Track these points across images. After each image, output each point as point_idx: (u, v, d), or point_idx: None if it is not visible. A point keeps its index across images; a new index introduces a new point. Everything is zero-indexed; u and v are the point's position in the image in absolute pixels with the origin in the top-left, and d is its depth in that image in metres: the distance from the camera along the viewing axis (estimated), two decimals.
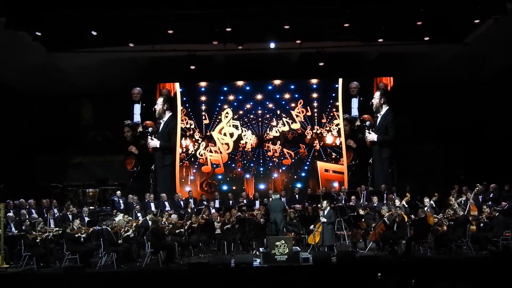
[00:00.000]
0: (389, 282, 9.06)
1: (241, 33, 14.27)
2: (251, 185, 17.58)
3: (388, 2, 13.15)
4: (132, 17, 13.32)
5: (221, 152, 17.61)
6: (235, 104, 17.77)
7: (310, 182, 17.57)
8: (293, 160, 17.60)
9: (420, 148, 18.17)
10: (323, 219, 12.03)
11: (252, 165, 17.66)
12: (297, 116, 17.63)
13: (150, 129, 17.30)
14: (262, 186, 17.43)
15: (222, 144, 17.67)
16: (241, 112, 17.76)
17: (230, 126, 17.69)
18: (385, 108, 17.36)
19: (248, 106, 17.78)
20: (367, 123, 17.38)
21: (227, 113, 17.71)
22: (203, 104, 17.76)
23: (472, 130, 17.73)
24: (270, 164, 17.65)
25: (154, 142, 17.29)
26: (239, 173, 17.69)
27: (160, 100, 17.40)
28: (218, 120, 17.69)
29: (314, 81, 17.69)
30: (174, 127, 17.44)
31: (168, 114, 17.45)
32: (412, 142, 17.96)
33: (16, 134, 16.96)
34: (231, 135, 17.71)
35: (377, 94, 17.38)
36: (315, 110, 17.66)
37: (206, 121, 17.68)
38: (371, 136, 17.32)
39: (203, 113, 17.69)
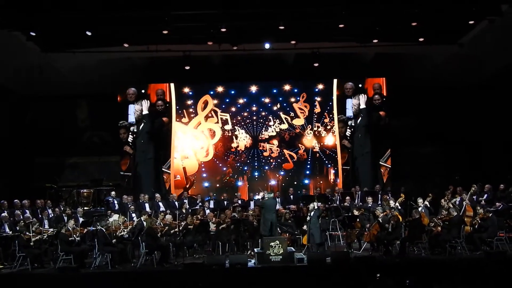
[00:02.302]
0: (386, 283, 9.04)
1: (236, 33, 14.27)
2: (244, 194, 16.44)
3: (383, 3, 13.17)
4: (127, 17, 13.29)
5: (186, 157, 16.40)
6: (227, 100, 16.93)
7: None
8: (293, 161, 16.88)
9: (417, 150, 18.14)
10: (308, 218, 12.06)
11: (246, 168, 16.89)
12: (301, 111, 16.95)
13: None
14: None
15: (196, 149, 16.38)
16: (233, 109, 16.95)
17: (216, 122, 16.59)
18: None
19: (241, 101, 16.96)
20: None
21: (205, 101, 16.47)
22: (189, 99, 16.96)
23: (469, 131, 17.73)
24: (266, 167, 16.89)
25: None
26: (230, 181, 16.85)
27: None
28: (194, 113, 16.53)
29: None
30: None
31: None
32: (411, 144, 17.93)
33: (12, 135, 16.89)
34: (212, 133, 16.68)
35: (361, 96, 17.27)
36: (318, 106, 17.08)
37: (186, 120, 16.91)
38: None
39: (191, 110, 16.98)
